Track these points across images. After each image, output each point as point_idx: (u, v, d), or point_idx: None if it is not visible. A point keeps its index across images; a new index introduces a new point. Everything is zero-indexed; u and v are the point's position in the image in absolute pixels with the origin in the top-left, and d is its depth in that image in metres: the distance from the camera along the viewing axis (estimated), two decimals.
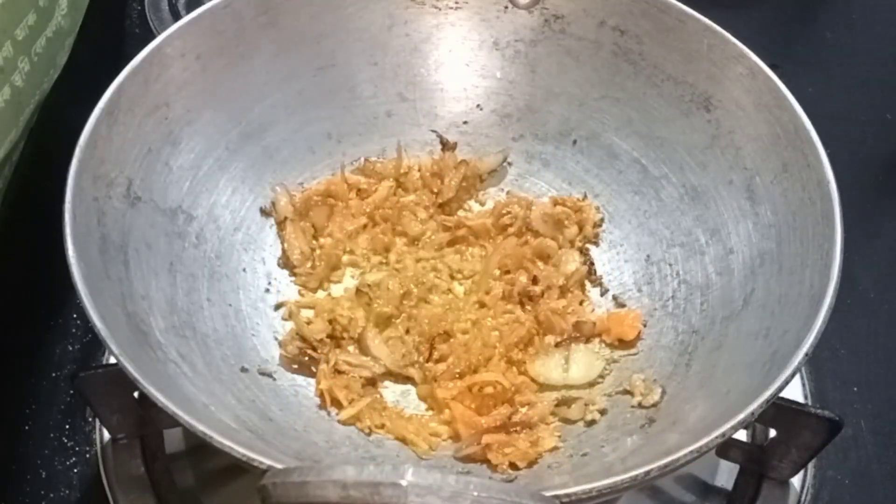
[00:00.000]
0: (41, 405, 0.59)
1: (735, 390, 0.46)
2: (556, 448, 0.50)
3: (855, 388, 0.63)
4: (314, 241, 0.60)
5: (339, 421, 0.52)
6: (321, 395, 0.53)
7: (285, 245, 0.59)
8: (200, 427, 0.40)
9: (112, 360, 0.45)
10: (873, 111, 0.80)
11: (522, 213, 0.61)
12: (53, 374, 0.61)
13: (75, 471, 0.57)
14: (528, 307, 0.57)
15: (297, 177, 0.62)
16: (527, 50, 0.63)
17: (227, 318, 0.54)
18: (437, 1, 0.63)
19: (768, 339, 0.47)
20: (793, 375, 0.42)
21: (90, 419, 0.58)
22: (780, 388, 0.42)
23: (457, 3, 0.63)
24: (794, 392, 0.61)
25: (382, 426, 0.52)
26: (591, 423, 0.52)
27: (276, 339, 0.56)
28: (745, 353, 0.48)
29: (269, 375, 0.53)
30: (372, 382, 0.54)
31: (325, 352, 0.55)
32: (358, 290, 0.58)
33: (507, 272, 0.58)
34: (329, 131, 0.63)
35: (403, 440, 0.51)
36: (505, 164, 0.64)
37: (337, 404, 0.53)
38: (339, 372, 0.54)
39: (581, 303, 0.58)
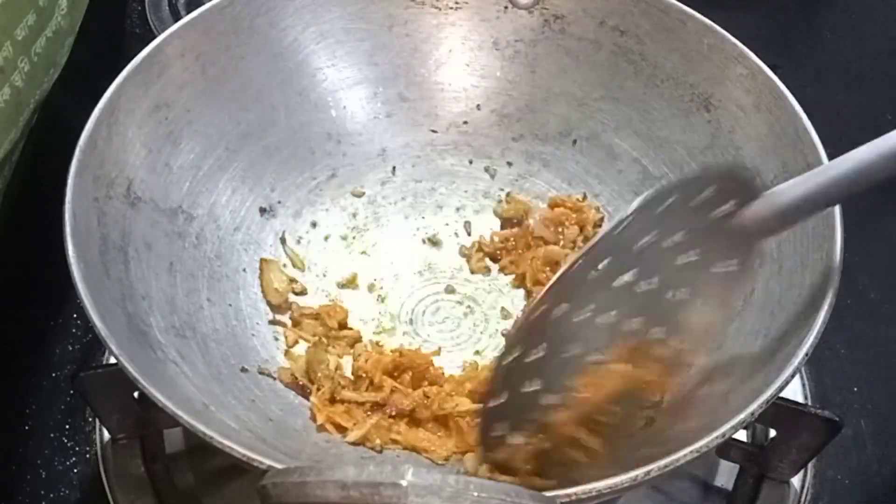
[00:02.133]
0: (41, 405, 0.59)
1: (735, 390, 0.46)
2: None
3: (855, 388, 0.62)
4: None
5: (347, 443, 0.50)
6: (320, 426, 0.51)
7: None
8: (200, 427, 0.40)
9: (112, 360, 0.45)
10: (873, 111, 0.80)
11: (523, 234, 0.60)
12: (53, 374, 0.61)
13: (75, 471, 0.57)
14: None
15: (297, 177, 0.62)
16: (527, 50, 0.63)
17: (227, 318, 0.54)
18: (437, 1, 0.63)
19: (768, 339, 0.47)
20: (793, 375, 0.42)
21: (90, 419, 0.58)
22: (780, 389, 0.42)
23: (457, 3, 0.63)
24: (794, 392, 0.61)
25: (394, 441, 0.51)
26: None
27: (275, 338, 0.56)
28: (745, 353, 0.48)
29: (269, 375, 0.53)
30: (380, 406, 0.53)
31: (320, 383, 0.53)
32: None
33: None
34: (329, 131, 0.63)
35: (415, 450, 0.51)
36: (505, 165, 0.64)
37: (340, 429, 0.51)
38: (338, 401, 0.52)
39: None
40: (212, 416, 0.45)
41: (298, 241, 0.61)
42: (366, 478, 0.31)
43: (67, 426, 0.59)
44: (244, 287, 0.57)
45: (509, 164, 0.64)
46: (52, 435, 0.58)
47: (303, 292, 0.59)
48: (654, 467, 0.39)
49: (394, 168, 0.64)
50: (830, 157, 0.50)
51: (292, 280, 0.59)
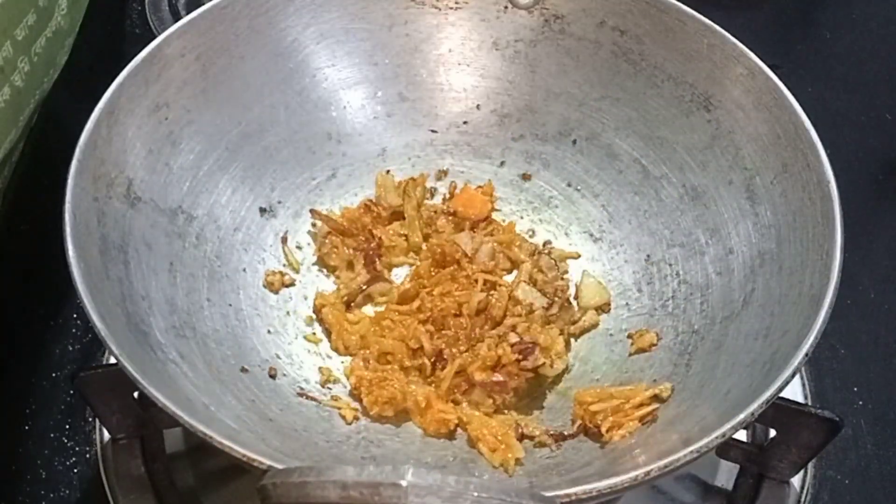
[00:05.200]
0: (41, 405, 0.59)
1: (735, 390, 0.46)
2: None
3: (855, 388, 0.63)
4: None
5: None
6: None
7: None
8: (201, 427, 0.40)
9: (112, 360, 0.45)
10: (873, 111, 0.80)
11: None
12: (53, 374, 0.61)
13: (75, 471, 0.57)
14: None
15: (297, 177, 0.62)
16: (527, 50, 0.63)
17: (227, 318, 0.54)
18: (437, 1, 0.63)
19: (768, 339, 0.47)
20: (793, 375, 0.42)
21: (90, 419, 0.58)
22: (780, 388, 0.42)
23: (457, 3, 0.63)
24: (794, 392, 0.61)
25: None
26: None
27: (269, 331, 0.56)
28: (745, 353, 0.48)
29: (271, 376, 0.53)
30: None
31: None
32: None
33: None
34: (329, 131, 0.63)
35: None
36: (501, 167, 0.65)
37: None
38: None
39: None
40: (212, 416, 0.45)
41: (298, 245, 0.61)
42: (366, 478, 0.31)
43: (67, 426, 0.59)
44: (244, 287, 0.57)
45: (509, 164, 0.64)
46: (52, 435, 0.58)
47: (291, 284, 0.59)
48: (654, 467, 0.39)
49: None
50: (830, 157, 0.50)
51: (284, 274, 0.59)
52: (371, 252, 0.60)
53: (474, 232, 0.61)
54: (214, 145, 0.58)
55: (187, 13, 0.57)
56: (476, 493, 0.32)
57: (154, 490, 0.54)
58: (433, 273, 0.58)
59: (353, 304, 0.58)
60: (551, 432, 0.51)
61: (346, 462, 0.48)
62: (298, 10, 0.60)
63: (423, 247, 0.61)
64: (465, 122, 0.65)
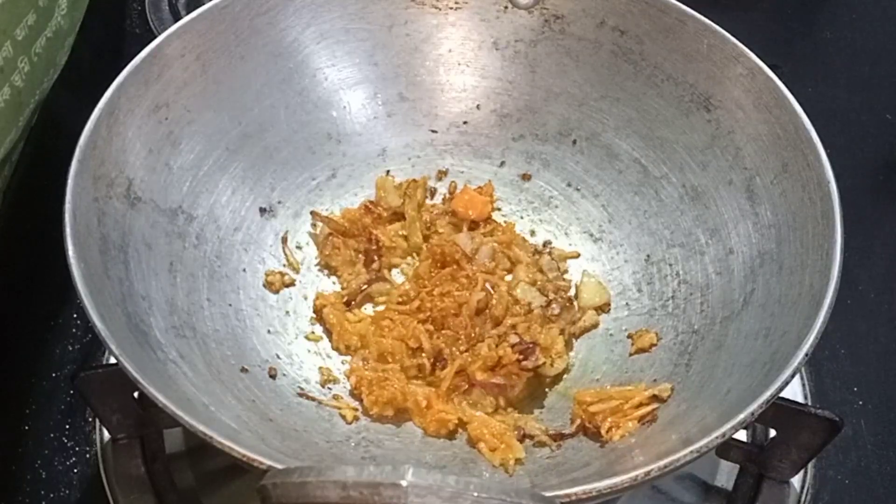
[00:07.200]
0: (41, 405, 0.59)
1: (735, 390, 0.46)
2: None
3: (855, 388, 0.63)
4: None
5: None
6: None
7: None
8: (201, 427, 0.40)
9: (112, 360, 0.45)
10: (873, 111, 0.80)
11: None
12: (53, 374, 0.61)
13: (75, 471, 0.57)
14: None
15: (297, 177, 0.62)
16: (527, 50, 0.63)
17: (227, 318, 0.54)
18: (437, 1, 0.63)
19: (768, 339, 0.47)
20: (793, 375, 0.42)
21: (90, 419, 0.58)
22: (780, 388, 0.42)
23: (457, 3, 0.63)
24: (794, 392, 0.61)
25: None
26: None
27: (269, 331, 0.56)
28: (745, 353, 0.48)
29: (272, 376, 0.53)
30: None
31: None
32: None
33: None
34: (329, 131, 0.63)
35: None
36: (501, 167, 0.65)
37: None
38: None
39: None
40: (212, 416, 0.45)
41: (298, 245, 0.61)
42: (366, 478, 0.31)
43: (67, 426, 0.59)
44: (244, 287, 0.57)
45: (509, 164, 0.64)
46: (52, 435, 0.58)
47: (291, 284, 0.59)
48: (654, 467, 0.39)
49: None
50: (830, 157, 0.50)
51: (284, 274, 0.59)
52: (371, 252, 0.60)
53: (474, 232, 0.61)
54: (214, 145, 0.58)
55: (187, 13, 0.57)
56: (476, 493, 0.32)
57: (154, 490, 0.54)
58: (433, 273, 0.58)
59: (353, 304, 0.58)
60: (551, 432, 0.51)
61: (346, 462, 0.48)
62: (298, 10, 0.61)
63: (424, 247, 0.61)
64: (465, 122, 0.65)
